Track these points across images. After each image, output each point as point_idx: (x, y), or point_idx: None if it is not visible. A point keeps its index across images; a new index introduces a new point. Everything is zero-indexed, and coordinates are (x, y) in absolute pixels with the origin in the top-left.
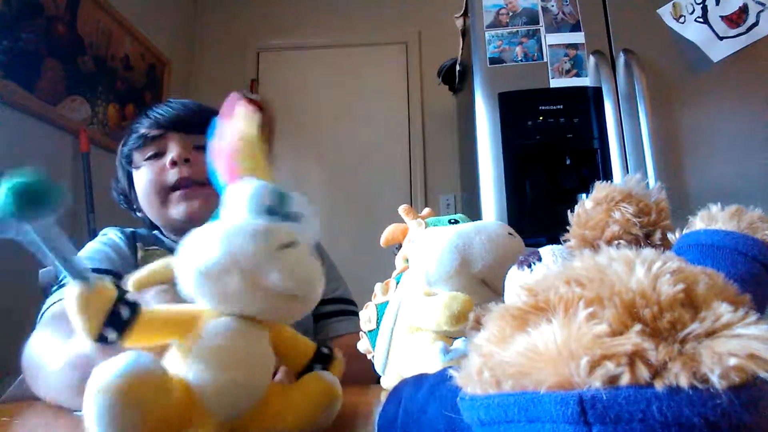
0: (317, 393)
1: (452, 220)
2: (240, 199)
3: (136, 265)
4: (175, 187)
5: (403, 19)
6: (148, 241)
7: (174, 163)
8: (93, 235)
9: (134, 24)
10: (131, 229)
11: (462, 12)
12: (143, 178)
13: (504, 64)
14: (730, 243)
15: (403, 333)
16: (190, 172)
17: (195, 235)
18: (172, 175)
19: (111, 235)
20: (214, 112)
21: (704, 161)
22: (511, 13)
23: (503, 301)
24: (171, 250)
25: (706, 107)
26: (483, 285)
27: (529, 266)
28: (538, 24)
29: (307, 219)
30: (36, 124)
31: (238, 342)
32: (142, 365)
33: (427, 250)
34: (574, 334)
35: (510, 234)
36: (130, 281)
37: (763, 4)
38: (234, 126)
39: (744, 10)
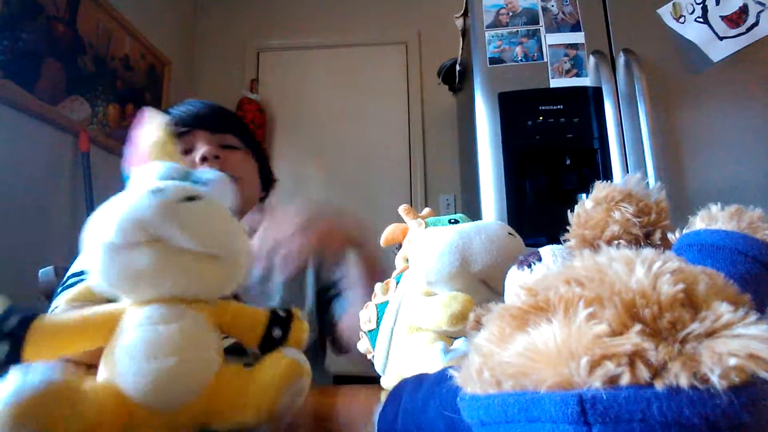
0: (278, 373)
1: (452, 220)
2: (146, 175)
3: None
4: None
5: (403, 19)
6: None
7: (204, 159)
8: None
9: (134, 24)
10: None
11: (462, 12)
12: None
13: (504, 64)
14: (730, 243)
15: (403, 333)
16: (221, 168)
17: (96, 214)
18: None
19: None
20: (234, 114)
21: (704, 161)
22: (511, 13)
23: (503, 301)
24: None
25: (706, 107)
26: (483, 285)
27: (529, 266)
28: (538, 24)
29: (218, 185)
30: (36, 124)
31: (162, 327)
32: (30, 384)
33: (427, 250)
34: (574, 334)
35: (510, 234)
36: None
37: (763, 4)
38: (144, 134)
39: (744, 10)
